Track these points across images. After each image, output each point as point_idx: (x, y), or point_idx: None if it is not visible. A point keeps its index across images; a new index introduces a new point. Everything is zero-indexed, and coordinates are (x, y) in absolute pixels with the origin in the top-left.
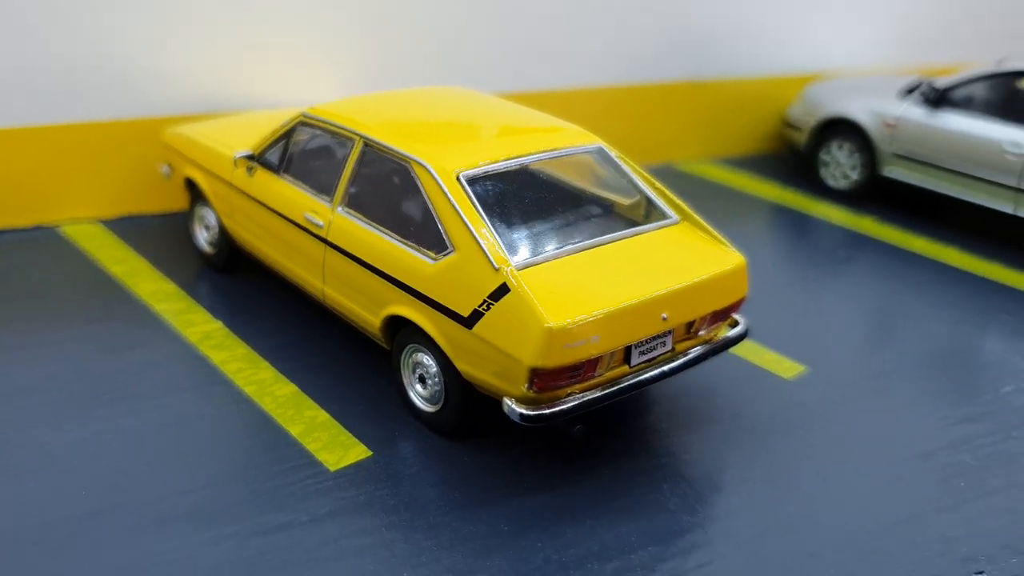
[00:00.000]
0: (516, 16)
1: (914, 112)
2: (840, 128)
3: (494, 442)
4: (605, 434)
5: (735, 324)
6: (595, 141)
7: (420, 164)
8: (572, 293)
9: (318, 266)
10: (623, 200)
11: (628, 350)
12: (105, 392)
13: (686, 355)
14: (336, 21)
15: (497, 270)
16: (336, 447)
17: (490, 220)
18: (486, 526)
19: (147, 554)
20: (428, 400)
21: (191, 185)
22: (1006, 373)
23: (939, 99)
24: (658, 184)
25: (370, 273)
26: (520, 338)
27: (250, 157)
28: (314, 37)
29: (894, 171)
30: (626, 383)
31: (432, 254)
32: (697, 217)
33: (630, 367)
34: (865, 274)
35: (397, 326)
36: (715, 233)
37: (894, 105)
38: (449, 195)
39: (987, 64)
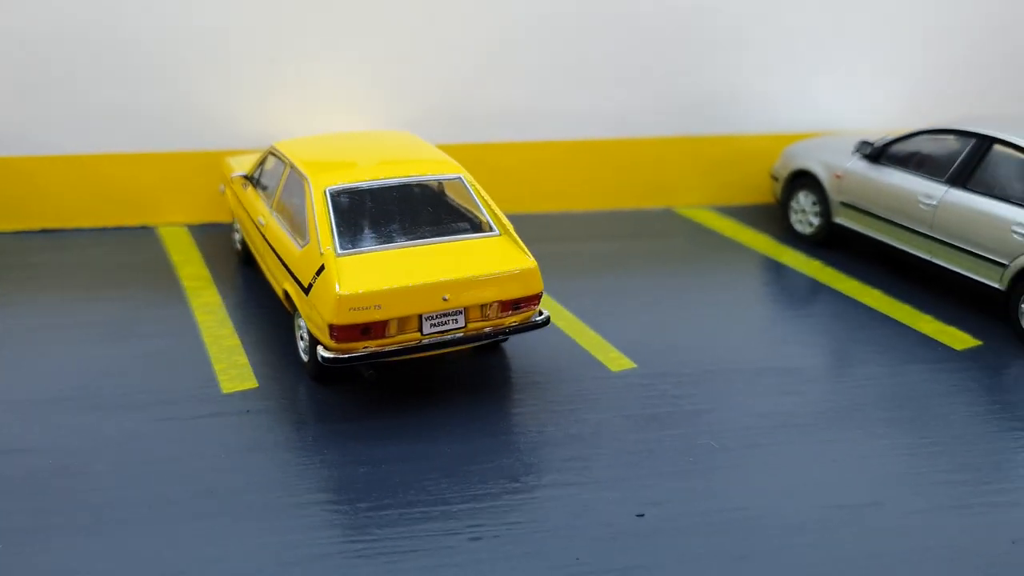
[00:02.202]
0: (551, 76)
1: (858, 165)
2: (806, 180)
3: (347, 387)
4: (433, 385)
5: (540, 314)
6: (457, 172)
7: (307, 180)
8: (371, 275)
9: (263, 254)
10: (464, 216)
11: (421, 321)
12: (118, 331)
13: (476, 332)
14: (365, 72)
15: (322, 254)
16: (237, 379)
17: (336, 221)
18: (304, 430)
19: (83, 424)
20: (304, 352)
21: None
22: (817, 392)
23: (876, 154)
24: (494, 208)
25: (276, 257)
26: (325, 302)
27: (244, 176)
28: (347, 86)
29: (842, 219)
30: (413, 345)
31: (300, 243)
32: (514, 234)
33: (422, 334)
34: (767, 303)
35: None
36: (522, 246)
37: (844, 159)
38: (314, 202)
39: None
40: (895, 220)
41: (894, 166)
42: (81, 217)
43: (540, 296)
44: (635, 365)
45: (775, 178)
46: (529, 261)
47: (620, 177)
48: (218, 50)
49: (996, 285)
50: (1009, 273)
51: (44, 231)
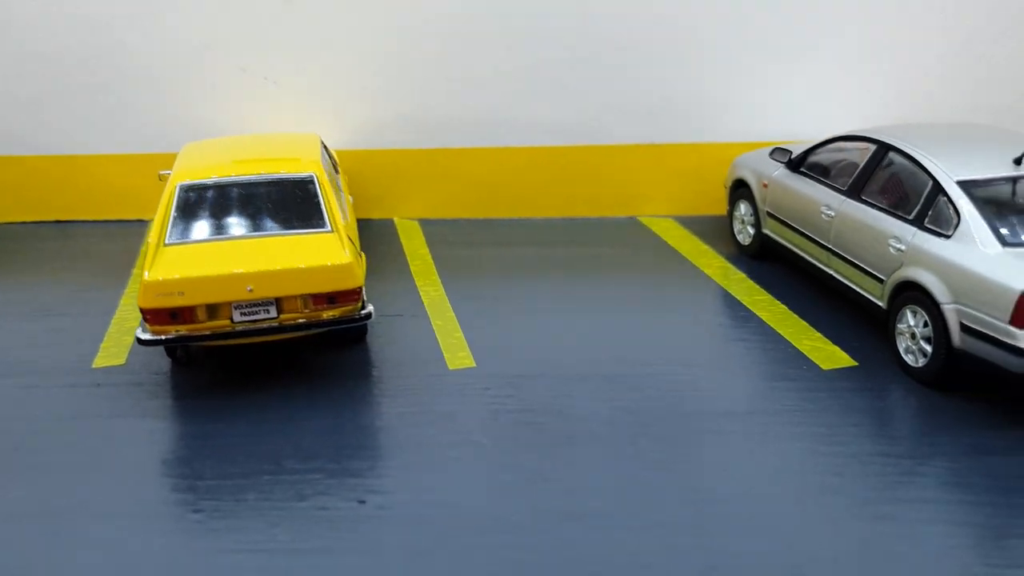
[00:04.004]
0: (515, 83)
1: (781, 174)
2: (745, 190)
3: (201, 370)
4: (278, 370)
5: (364, 307)
6: (310, 171)
7: (172, 175)
8: (181, 264)
9: None
10: (302, 213)
11: (231, 309)
12: (47, 309)
13: (291, 323)
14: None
15: (149, 244)
16: (112, 356)
17: (174, 214)
18: (133, 404)
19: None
20: None
21: None
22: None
23: (797, 163)
24: (333, 207)
25: None
26: (138, 287)
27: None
28: (315, 94)
29: (767, 229)
30: (225, 331)
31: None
32: (343, 232)
33: (233, 322)
34: (660, 313)
35: None
36: (345, 243)
37: (772, 168)
38: (163, 196)
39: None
40: (803, 231)
41: (808, 175)
42: (88, 210)
43: (358, 292)
44: (474, 365)
45: (725, 187)
46: (343, 258)
47: (586, 185)
48: (196, 63)
49: (879, 303)
50: (887, 289)
51: (57, 222)
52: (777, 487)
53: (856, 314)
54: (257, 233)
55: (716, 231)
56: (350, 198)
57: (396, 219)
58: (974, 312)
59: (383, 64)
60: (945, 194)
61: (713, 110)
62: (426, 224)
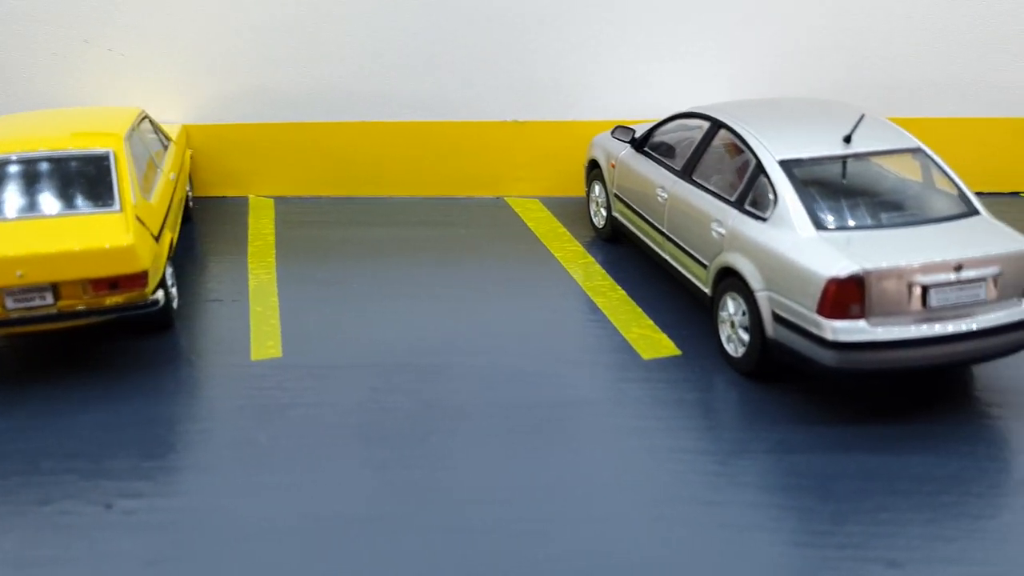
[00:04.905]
0: (370, 55)
1: (626, 154)
2: (599, 170)
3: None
4: (80, 358)
5: (155, 292)
6: (105, 147)
7: None
8: None
9: None
10: (91, 191)
11: (3, 295)
12: None
13: (70, 310)
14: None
15: None
16: None
17: None
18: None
19: None
20: None
21: None
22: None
23: (640, 142)
24: (124, 184)
25: None
26: None
27: None
28: (161, 65)
29: (615, 211)
30: None
31: None
32: (130, 211)
33: (5, 309)
34: (497, 299)
35: None
36: (131, 224)
37: (620, 148)
38: None
39: None
40: (643, 213)
41: (649, 154)
42: None
43: (142, 276)
44: (281, 355)
45: (584, 168)
46: (124, 239)
47: (452, 163)
48: (36, 33)
49: (705, 289)
50: (710, 275)
51: None
52: (563, 486)
53: (693, 302)
54: (38, 213)
55: (579, 213)
56: (172, 175)
57: (251, 197)
58: (785, 300)
59: (234, 35)
60: (766, 174)
61: (580, 87)
62: (281, 202)
